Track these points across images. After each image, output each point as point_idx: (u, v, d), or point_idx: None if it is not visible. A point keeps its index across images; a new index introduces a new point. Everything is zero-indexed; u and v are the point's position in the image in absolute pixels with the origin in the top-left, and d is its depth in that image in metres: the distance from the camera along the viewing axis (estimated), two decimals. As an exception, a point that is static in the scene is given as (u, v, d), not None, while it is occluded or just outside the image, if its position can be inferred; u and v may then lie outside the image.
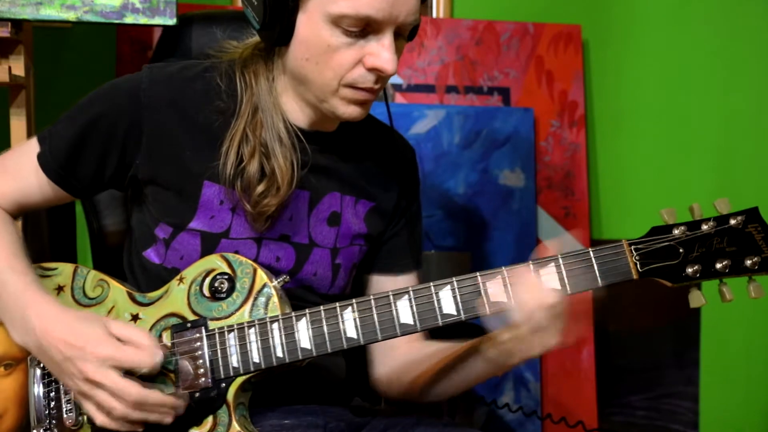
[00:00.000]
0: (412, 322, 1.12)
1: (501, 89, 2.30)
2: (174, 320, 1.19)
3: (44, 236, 1.53)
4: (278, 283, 1.19)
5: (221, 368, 1.15)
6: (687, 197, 2.33)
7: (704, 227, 1.08)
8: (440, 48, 2.28)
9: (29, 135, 1.72)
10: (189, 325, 1.17)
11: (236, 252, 1.23)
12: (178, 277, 1.21)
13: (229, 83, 1.26)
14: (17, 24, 1.67)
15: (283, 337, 1.14)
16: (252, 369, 1.14)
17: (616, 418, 2.39)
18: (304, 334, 1.14)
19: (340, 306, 1.14)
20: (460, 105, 2.27)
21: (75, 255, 1.63)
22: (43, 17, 1.64)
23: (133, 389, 1.07)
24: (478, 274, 1.12)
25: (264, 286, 1.18)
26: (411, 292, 1.13)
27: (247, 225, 1.26)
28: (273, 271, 1.24)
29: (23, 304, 1.13)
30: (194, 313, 1.18)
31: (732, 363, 2.41)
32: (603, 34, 2.39)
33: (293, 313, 1.15)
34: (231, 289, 1.19)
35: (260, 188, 1.22)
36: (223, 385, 1.15)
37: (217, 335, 1.16)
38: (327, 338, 1.13)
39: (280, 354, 1.14)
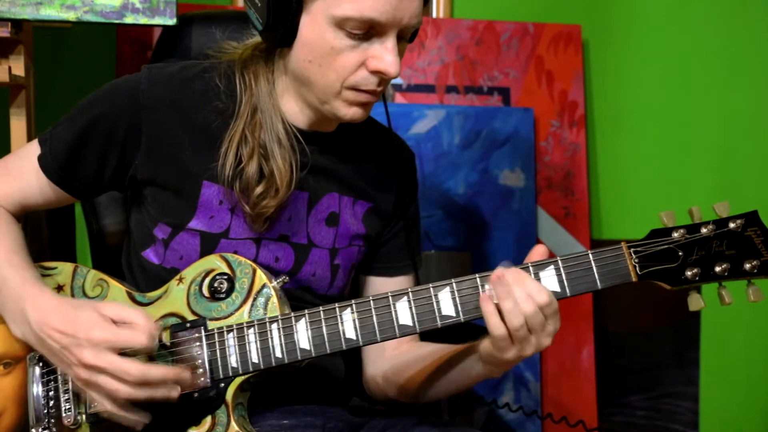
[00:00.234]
0: (411, 324, 1.12)
1: (501, 89, 2.30)
2: (173, 320, 1.19)
3: (44, 236, 1.53)
4: (277, 283, 1.19)
5: (220, 368, 1.15)
6: (687, 197, 2.34)
7: (703, 230, 1.08)
8: (440, 48, 2.28)
9: (29, 135, 1.72)
10: (188, 325, 1.18)
11: (235, 252, 1.23)
12: (177, 277, 1.22)
13: (229, 84, 1.26)
14: (17, 24, 1.67)
15: (282, 337, 1.14)
16: (251, 369, 1.14)
17: (616, 418, 2.39)
18: (303, 335, 1.14)
19: (339, 307, 1.14)
20: (460, 105, 2.27)
21: (74, 255, 1.63)
22: (43, 17, 1.64)
23: (134, 366, 1.07)
24: (477, 276, 1.12)
25: (263, 286, 1.18)
26: (410, 294, 1.13)
27: (247, 225, 1.26)
28: (272, 272, 1.24)
29: (21, 297, 1.14)
30: (193, 313, 1.18)
31: (732, 363, 2.41)
32: (603, 34, 2.39)
33: (292, 314, 1.15)
34: (230, 290, 1.19)
35: (259, 189, 1.22)
36: (222, 385, 1.15)
37: (216, 335, 1.16)
38: (326, 339, 1.14)
39: (279, 354, 1.14)
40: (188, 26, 1.67)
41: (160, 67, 1.27)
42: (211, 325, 1.17)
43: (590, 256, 1.10)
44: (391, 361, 1.36)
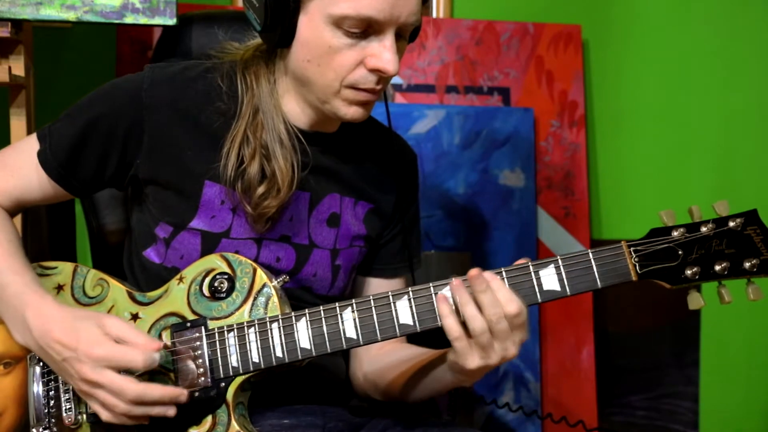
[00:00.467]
0: (411, 323, 1.12)
1: (501, 89, 2.30)
2: (174, 320, 1.19)
3: (44, 235, 1.53)
4: (278, 283, 1.19)
5: (221, 368, 1.15)
6: (687, 197, 2.34)
7: (703, 229, 1.08)
8: (440, 48, 2.28)
9: (29, 135, 1.72)
10: (189, 324, 1.18)
11: (236, 252, 1.23)
12: (177, 276, 1.22)
13: (230, 84, 1.26)
14: (17, 24, 1.67)
15: (283, 337, 1.14)
16: (251, 369, 1.14)
17: (616, 418, 2.39)
18: (303, 334, 1.14)
19: (339, 306, 1.14)
20: (460, 105, 2.27)
21: (74, 254, 1.63)
22: (43, 17, 1.64)
23: (131, 386, 1.07)
24: None
25: (264, 286, 1.18)
26: (410, 293, 1.12)
27: (248, 225, 1.26)
28: (273, 272, 1.24)
29: (22, 304, 1.13)
30: (194, 312, 1.18)
31: (732, 363, 2.41)
32: (603, 34, 2.39)
33: (293, 313, 1.15)
34: (231, 289, 1.19)
35: (261, 190, 1.22)
36: (223, 384, 1.15)
37: (216, 335, 1.16)
38: (326, 338, 1.13)
39: (279, 354, 1.14)
40: (188, 26, 1.67)
41: (163, 67, 1.27)
42: (211, 324, 1.17)
43: (590, 255, 1.10)
44: (374, 361, 1.37)
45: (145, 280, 1.30)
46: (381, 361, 1.36)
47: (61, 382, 1.19)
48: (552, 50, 2.32)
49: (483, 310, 1.06)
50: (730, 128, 2.39)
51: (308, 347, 1.14)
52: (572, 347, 2.28)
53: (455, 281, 1.09)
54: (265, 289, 1.18)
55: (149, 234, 1.29)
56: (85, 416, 1.18)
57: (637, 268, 1.09)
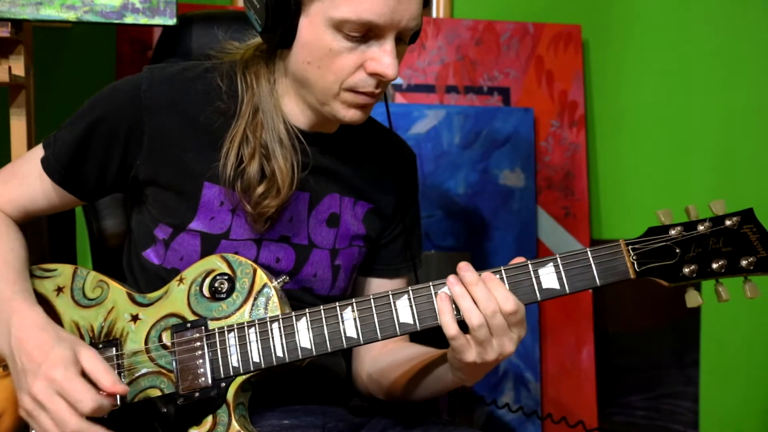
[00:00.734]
0: (411, 322, 1.12)
1: (501, 89, 2.30)
2: (174, 320, 1.19)
3: (44, 237, 1.53)
4: (278, 283, 1.19)
5: (221, 368, 1.15)
6: (687, 197, 2.34)
7: (700, 228, 1.09)
8: (440, 48, 2.28)
9: (29, 135, 1.73)
10: (189, 325, 1.18)
11: (236, 253, 1.23)
12: (178, 277, 1.22)
13: (230, 84, 1.26)
14: (17, 24, 1.67)
15: (283, 336, 1.14)
16: (252, 369, 1.15)
17: (616, 418, 2.39)
18: (304, 334, 1.14)
19: (339, 306, 1.14)
20: (460, 105, 2.27)
21: (75, 256, 1.63)
22: (43, 17, 1.65)
23: (72, 422, 1.03)
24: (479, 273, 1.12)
25: (264, 286, 1.18)
26: (410, 292, 1.13)
27: (247, 226, 1.26)
28: (273, 272, 1.24)
29: (10, 310, 1.13)
30: (194, 313, 1.19)
31: (732, 363, 2.41)
32: (603, 34, 2.39)
33: (293, 313, 1.15)
34: (231, 290, 1.19)
35: (260, 189, 1.22)
36: (223, 384, 1.15)
37: (217, 335, 1.16)
38: (327, 338, 1.14)
39: (280, 354, 1.14)
40: (188, 26, 1.67)
41: (162, 68, 1.27)
42: (211, 325, 1.17)
43: (589, 253, 1.10)
44: (377, 360, 1.37)
45: (145, 281, 1.30)
46: (383, 360, 1.36)
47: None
48: (552, 50, 2.32)
49: (477, 303, 1.07)
50: (730, 128, 2.39)
51: (309, 347, 1.14)
52: (572, 347, 2.28)
53: (452, 277, 1.10)
54: (265, 290, 1.18)
55: (149, 235, 1.29)
56: (84, 416, 1.18)
57: (635, 266, 1.09)
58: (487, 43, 2.30)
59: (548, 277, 1.11)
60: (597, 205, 2.40)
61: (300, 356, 1.14)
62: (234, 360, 1.15)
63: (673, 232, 1.09)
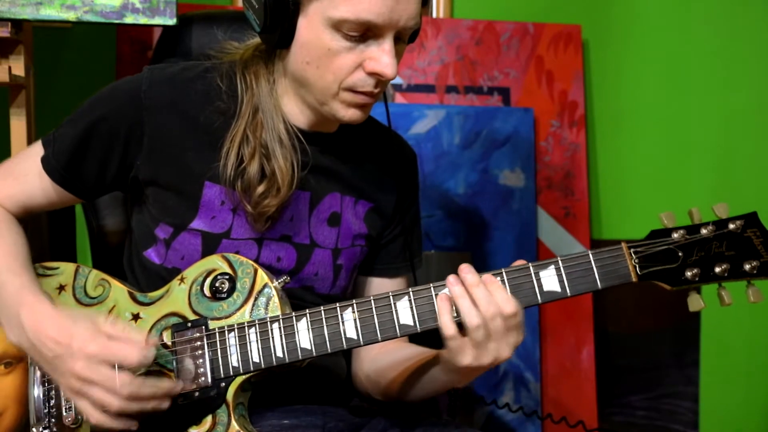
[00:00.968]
0: (411, 323, 1.12)
1: (501, 89, 2.30)
2: (174, 320, 1.19)
3: (44, 236, 1.53)
4: (279, 283, 1.19)
5: (221, 368, 1.15)
6: (687, 197, 2.34)
7: (703, 231, 1.08)
8: (440, 48, 2.28)
9: (29, 135, 1.73)
10: (189, 324, 1.18)
11: (237, 252, 1.23)
12: (179, 277, 1.22)
13: (230, 84, 1.26)
14: (17, 24, 1.67)
15: (283, 337, 1.14)
16: (252, 369, 1.15)
17: (616, 418, 2.39)
18: (304, 335, 1.14)
19: (340, 306, 1.14)
20: (460, 105, 2.27)
21: (75, 255, 1.63)
22: (43, 17, 1.65)
23: (125, 381, 1.07)
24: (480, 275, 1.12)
25: (265, 286, 1.18)
26: (411, 293, 1.13)
27: (248, 225, 1.26)
28: (274, 272, 1.24)
29: (18, 303, 1.14)
30: (195, 312, 1.19)
31: (732, 363, 2.41)
32: (603, 34, 2.39)
33: (293, 314, 1.15)
34: (232, 289, 1.19)
35: (260, 189, 1.22)
36: (223, 384, 1.15)
37: (217, 335, 1.16)
38: (327, 339, 1.14)
39: (280, 354, 1.14)
40: (188, 26, 1.67)
41: (162, 68, 1.27)
42: (212, 324, 1.17)
43: (590, 256, 1.10)
44: (376, 360, 1.37)
45: (146, 280, 1.30)
46: (381, 360, 1.36)
47: (56, 382, 1.19)
48: (552, 50, 2.32)
49: (477, 305, 1.07)
50: (730, 128, 2.39)
51: (309, 347, 1.14)
52: (572, 347, 2.28)
53: (451, 277, 1.10)
54: (266, 290, 1.18)
55: (149, 235, 1.29)
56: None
57: (638, 269, 1.09)
58: (487, 43, 2.30)
59: (549, 280, 1.10)
60: (597, 205, 2.40)
61: (300, 357, 1.14)
62: (234, 360, 1.15)
63: (675, 235, 1.09)
